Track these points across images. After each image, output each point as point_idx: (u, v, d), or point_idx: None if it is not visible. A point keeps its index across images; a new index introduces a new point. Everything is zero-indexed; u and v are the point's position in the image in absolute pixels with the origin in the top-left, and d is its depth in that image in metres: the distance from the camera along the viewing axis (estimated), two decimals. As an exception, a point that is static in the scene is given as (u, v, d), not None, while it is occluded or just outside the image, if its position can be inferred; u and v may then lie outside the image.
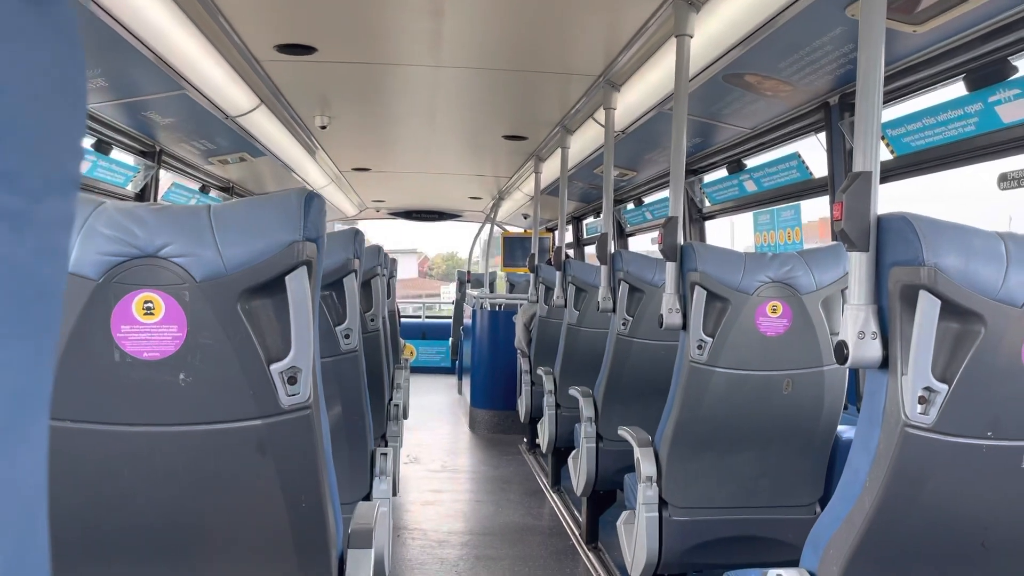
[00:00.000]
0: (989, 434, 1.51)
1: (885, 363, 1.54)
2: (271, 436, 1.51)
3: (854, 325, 1.55)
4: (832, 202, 1.79)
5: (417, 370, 11.26)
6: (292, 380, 1.49)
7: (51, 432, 1.32)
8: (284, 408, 1.50)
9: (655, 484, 2.80)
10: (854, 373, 3.10)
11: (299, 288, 1.47)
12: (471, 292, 9.14)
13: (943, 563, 1.64)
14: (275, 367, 1.48)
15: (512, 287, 10.53)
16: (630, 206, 6.87)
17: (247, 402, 1.48)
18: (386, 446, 3.61)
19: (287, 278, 1.46)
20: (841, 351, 1.57)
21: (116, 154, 4.50)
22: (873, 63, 1.65)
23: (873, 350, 1.54)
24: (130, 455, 1.50)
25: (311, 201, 1.51)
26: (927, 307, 1.46)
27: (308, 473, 1.58)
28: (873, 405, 1.58)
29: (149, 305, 1.42)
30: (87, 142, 4.25)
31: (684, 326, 2.69)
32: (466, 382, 8.18)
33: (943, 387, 1.48)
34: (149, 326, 1.43)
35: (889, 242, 1.53)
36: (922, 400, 1.49)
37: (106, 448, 1.48)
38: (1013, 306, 1.47)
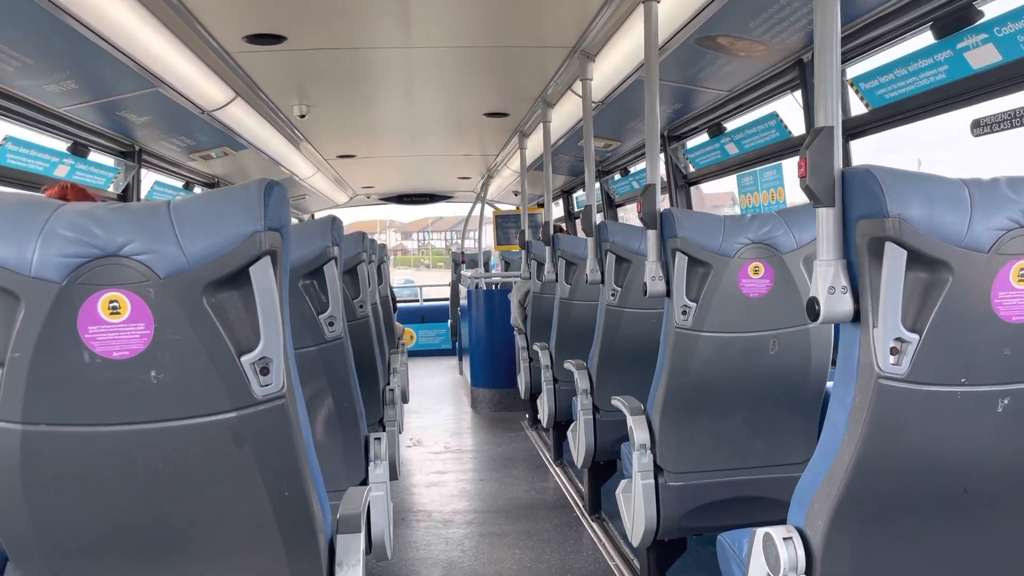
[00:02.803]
0: (963, 381, 1.51)
1: (857, 317, 1.54)
2: (247, 428, 1.51)
3: (824, 281, 1.55)
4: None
5: (418, 353, 11.29)
6: (264, 371, 1.49)
7: (26, 436, 1.33)
8: (258, 399, 1.50)
9: (649, 451, 2.81)
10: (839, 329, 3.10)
11: (264, 278, 1.46)
12: (466, 273, 9.14)
13: (927, 511, 1.65)
14: (246, 359, 1.48)
15: (507, 265, 10.53)
16: (617, 176, 6.85)
17: (220, 395, 1.48)
18: (383, 431, 3.63)
19: (251, 269, 1.46)
20: (813, 307, 1.57)
21: (95, 156, 4.48)
22: (829, 18, 1.63)
23: (844, 304, 1.54)
24: (108, 455, 1.50)
25: (271, 190, 1.50)
26: (894, 258, 1.45)
27: (288, 462, 1.58)
28: (847, 359, 1.58)
29: (115, 304, 1.42)
30: (62, 145, 4.23)
31: (668, 293, 2.69)
32: (466, 363, 8.20)
33: (914, 337, 1.48)
34: (116, 325, 1.42)
35: (854, 196, 1.53)
36: (894, 351, 1.49)
37: (83, 450, 1.49)
38: (979, 252, 1.46)
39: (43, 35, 2.97)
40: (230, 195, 1.50)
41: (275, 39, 3.59)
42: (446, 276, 14.94)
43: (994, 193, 1.50)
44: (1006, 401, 1.53)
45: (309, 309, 2.71)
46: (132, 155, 4.92)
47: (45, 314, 1.40)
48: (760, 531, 1.73)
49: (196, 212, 1.47)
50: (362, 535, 1.80)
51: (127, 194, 4.91)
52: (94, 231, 1.42)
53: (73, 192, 2.76)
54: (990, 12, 2.35)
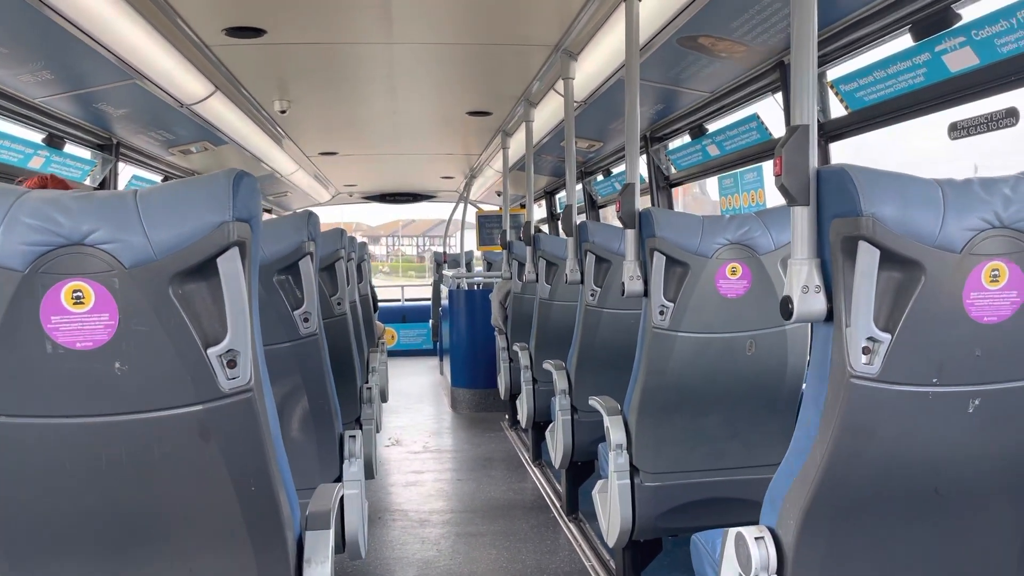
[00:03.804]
0: (934, 381, 1.51)
1: (831, 316, 1.53)
2: (213, 421, 1.48)
3: (798, 280, 1.54)
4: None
5: (399, 353, 11.26)
6: (231, 364, 1.47)
7: None
8: (224, 392, 1.48)
9: (626, 451, 2.80)
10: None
11: (232, 270, 1.44)
12: (447, 273, 9.11)
13: (898, 511, 1.65)
14: (212, 351, 1.45)
15: (489, 266, 10.51)
16: (600, 177, 6.85)
17: (186, 388, 1.46)
18: (360, 429, 3.60)
19: (219, 260, 1.43)
20: (786, 306, 1.56)
21: (70, 148, 4.43)
22: (806, 17, 1.63)
23: (817, 304, 1.54)
24: (71, 447, 1.47)
25: (240, 180, 1.48)
26: (866, 257, 1.45)
27: (255, 457, 1.56)
28: (820, 358, 1.57)
29: (79, 294, 1.39)
30: (37, 137, 4.18)
31: (646, 293, 2.68)
32: (447, 363, 8.17)
33: (886, 337, 1.48)
34: (80, 315, 1.40)
35: (829, 195, 1.52)
36: (866, 351, 1.48)
37: (45, 441, 1.46)
38: (952, 252, 1.46)
39: (19, 24, 2.92)
40: (198, 185, 1.48)
41: (255, 32, 3.56)
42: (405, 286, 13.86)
43: (967, 194, 1.50)
44: (977, 402, 1.53)
45: (284, 304, 2.68)
46: (109, 148, 4.86)
47: (7, 303, 1.37)
48: (732, 531, 1.72)
49: (163, 201, 1.44)
50: (331, 532, 1.78)
51: (104, 187, 4.85)
52: (58, 219, 1.39)
53: (53, 183, 2.71)
54: (968, 15, 2.36)
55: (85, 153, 4.69)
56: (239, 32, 3.54)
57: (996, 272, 1.47)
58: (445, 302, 8.44)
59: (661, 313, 2.64)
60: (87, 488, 1.53)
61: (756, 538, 1.67)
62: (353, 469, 2.88)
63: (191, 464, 1.53)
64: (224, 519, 1.59)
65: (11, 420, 1.43)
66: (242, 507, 1.58)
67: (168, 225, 1.42)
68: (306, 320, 2.71)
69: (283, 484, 1.65)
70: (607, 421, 2.84)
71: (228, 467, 1.54)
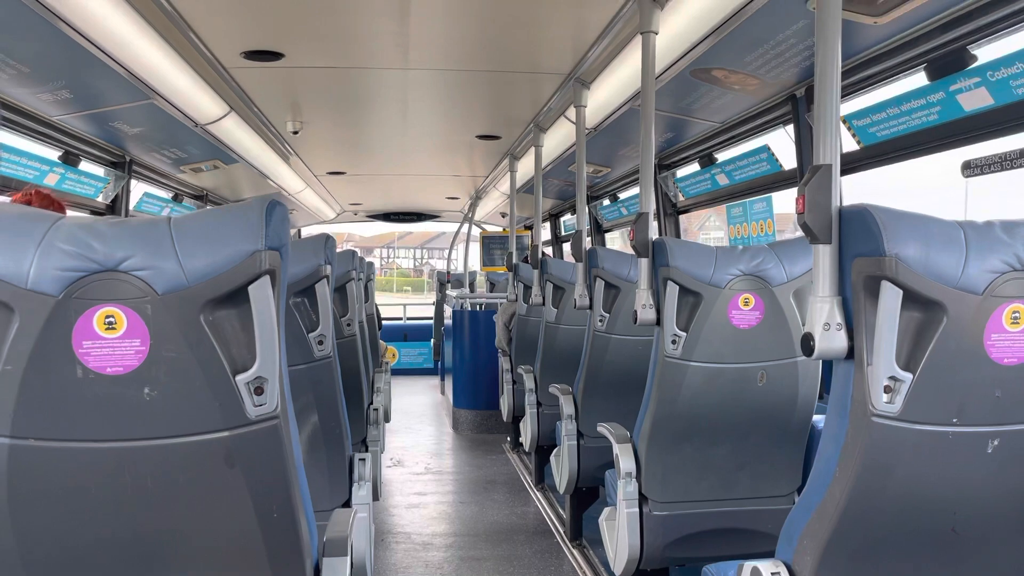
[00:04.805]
0: (955, 421, 1.52)
1: (851, 354, 1.55)
2: (239, 448, 1.49)
3: (819, 317, 1.56)
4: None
5: (400, 372, 11.25)
6: (259, 390, 1.48)
7: (16, 451, 1.31)
8: (251, 419, 1.49)
9: (635, 480, 2.81)
10: (828, 363, 3.12)
11: (262, 298, 1.45)
12: (451, 292, 9.13)
13: (915, 549, 1.65)
14: (241, 378, 1.46)
15: (492, 286, 10.53)
16: (606, 202, 6.89)
17: (213, 414, 1.47)
18: (366, 451, 3.60)
19: (250, 288, 1.45)
20: (808, 343, 1.58)
21: (85, 165, 4.46)
22: (830, 56, 1.66)
23: (839, 341, 1.55)
24: (97, 471, 1.48)
25: (273, 209, 1.50)
26: (889, 297, 1.47)
27: (278, 483, 1.56)
28: (841, 395, 1.59)
29: (111, 320, 1.41)
30: (54, 154, 4.21)
31: (658, 321, 2.69)
32: (449, 383, 8.17)
33: (908, 376, 1.49)
34: (111, 341, 1.41)
35: (851, 234, 1.54)
36: (888, 389, 1.50)
37: (72, 465, 1.47)
38: (974, 294, 1.48)
39: (41, 44, 2.96)
40: (232, 213, 1.49)
41: (273, 56, 3.60)
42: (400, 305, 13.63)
43: (988, 236, 1.52)
44: (996, 442, 1.54)
45: (299, 327, 2.69)
46: (122, 165, 4.90)
47: (40, 328, 1.38)
48: (748, 564, 1.73)
49: (197, 229, 1.46)
50: (348, 559, 1.78)
51: (116, 204, 4.88)
52: (93, 245, 1.41)
53: (38, 198, 2.70)
54: (983, 56, 2.40)
55: (99, 170, 4.72)
56: (257, 55, 3.58)
57: (1017, 314, 1.49)
58: (448, 321, 8.44)
59: (673, 342, 2.65)
60: (110, 512, 1.54)
61: (773, 573, 1.68)
62: (362, 492, 2.88)
63: (215, 490, 1.53)
64: (245, 545, 1.60)
65: (40, 444, 1.44)
66: (263, 533, 1.59)
67: (202, 253, 1.43)
68: (320, 343, 2.72)
69: (304, 510, 1.66)
70: (617, 449, 2.84)
71: (252, 493, 1.54)
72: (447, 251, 11.02)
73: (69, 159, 4.28)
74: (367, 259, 6.57)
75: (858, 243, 1.52)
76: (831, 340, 1.55)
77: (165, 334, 1.42)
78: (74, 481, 1.49)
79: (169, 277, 1.42)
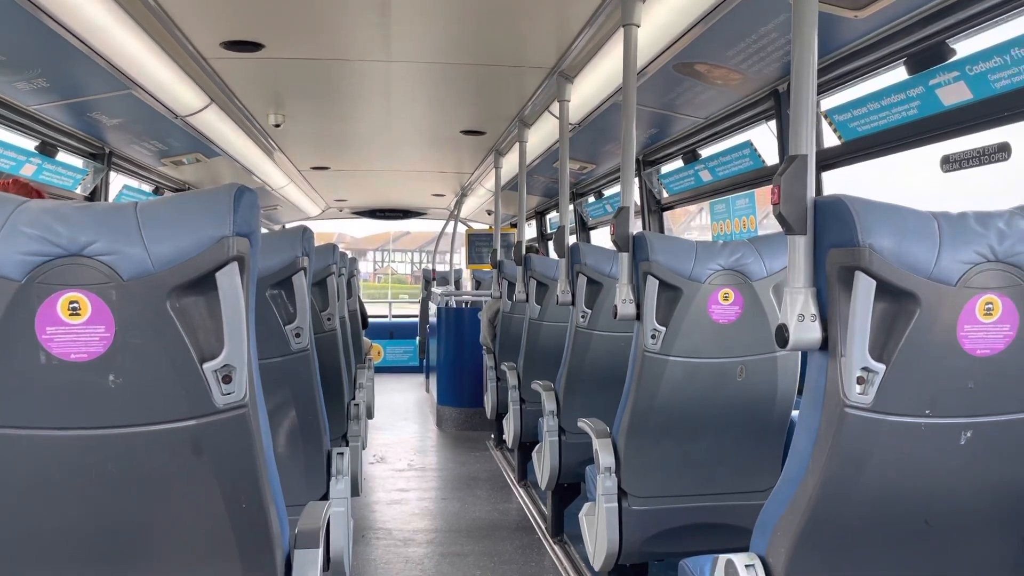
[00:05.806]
0: (927, 412, 1.52)
1: (825, 345, 1.54)
2: (206, 436, 1.47)
3: (793, 308, 1.55)
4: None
5: (385, 370, 11.21)
6: (227, 379, 1.46)
7: None
8: (219, 407, 1.47)
9: (614, 475, 2.80)
10: (807, 358, 3.13)
11: (230, 285, 1.43)
12: (436, 290, 9.10)
13: (888, 540, 1.65)
14: (208, 366, 1.44)
15: (478, 284, 10.51)
16: (591, 199, 6.88)
17: (180, 402, 1.45)
18: (346, 446, 3.58)
19: (218, 275, 1.42)
20: (781, 334, 1.57)
21: (63, 156, 4.41)
22: (807, 45, 1.65)
23: (813, 332, 1.55)
24: (61, 459, 1.45)
25: (242, 195, 1.47)
26: (863, 288, 1.46)
27: (247, 473, 1.54)
28: (814, 387, 1.58)
29: (75, 305, 1.38)
30: (30, 144, 4.16)
31: (638, 316, 2.69)
32: (433, 380, 8.15)
33: (880, 367, 1.49)
34: (76, 327, 1.38)
35: (826, 224, 1.54)
36: (860, 380, 1.49)
37: (35, 453, 1.44)
38: (947, 285, 1.48)
39: (17, 32, 2.92)
40: (199, 198, 1.47)
41: (253, 46, 3.57)
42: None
43: (962, 227, 1.51)
44: (968, 434, 1.54)
45: (275, 319, 2.67)
46: (102, 157, 4.85)
47: (1, 313, 1.36)
48: (723, 558, 1.72)
49: (163, 214, 1.44)
50: (320, 551, 1.76)
51: (95, 196, 4.83)
52: (57, 229, 1.38)
53: (15, 188, 2.65)
54: (962, 51, 2.40)
55: (77, 162, 4.68)
56: (237, 46, 3.55)
57: (990, 305, 1.49)
58: (433, 319, 8.41)
59: (653, 337, 2.64)
60: (75, 501, 1.51)
61: (746, 565, 1.67)
62: (340, 487, 2.86)
63: (182, 479, 1.51)
64: (213, 535, 1.58)
65: (2, 431, 1.41)
66: (232, 523, 1.57)
67: (168, 238, 1.41)
68: (298, 336, 2.69)
69: (273, 501, 1.64)
70: (596, 444, 2.83)
71: (219, 483, 1.52)
72: (438, 250, 10.99)
73: (46, 149, 4.23)
74: (359, 261, 6.51)
75: (832, 234, 1.51)
76: (805, 331, 1.54)
77: (130, 320, 1.40)
78: (38, 469, 1.47)
79: (135, 262, 1.40)
